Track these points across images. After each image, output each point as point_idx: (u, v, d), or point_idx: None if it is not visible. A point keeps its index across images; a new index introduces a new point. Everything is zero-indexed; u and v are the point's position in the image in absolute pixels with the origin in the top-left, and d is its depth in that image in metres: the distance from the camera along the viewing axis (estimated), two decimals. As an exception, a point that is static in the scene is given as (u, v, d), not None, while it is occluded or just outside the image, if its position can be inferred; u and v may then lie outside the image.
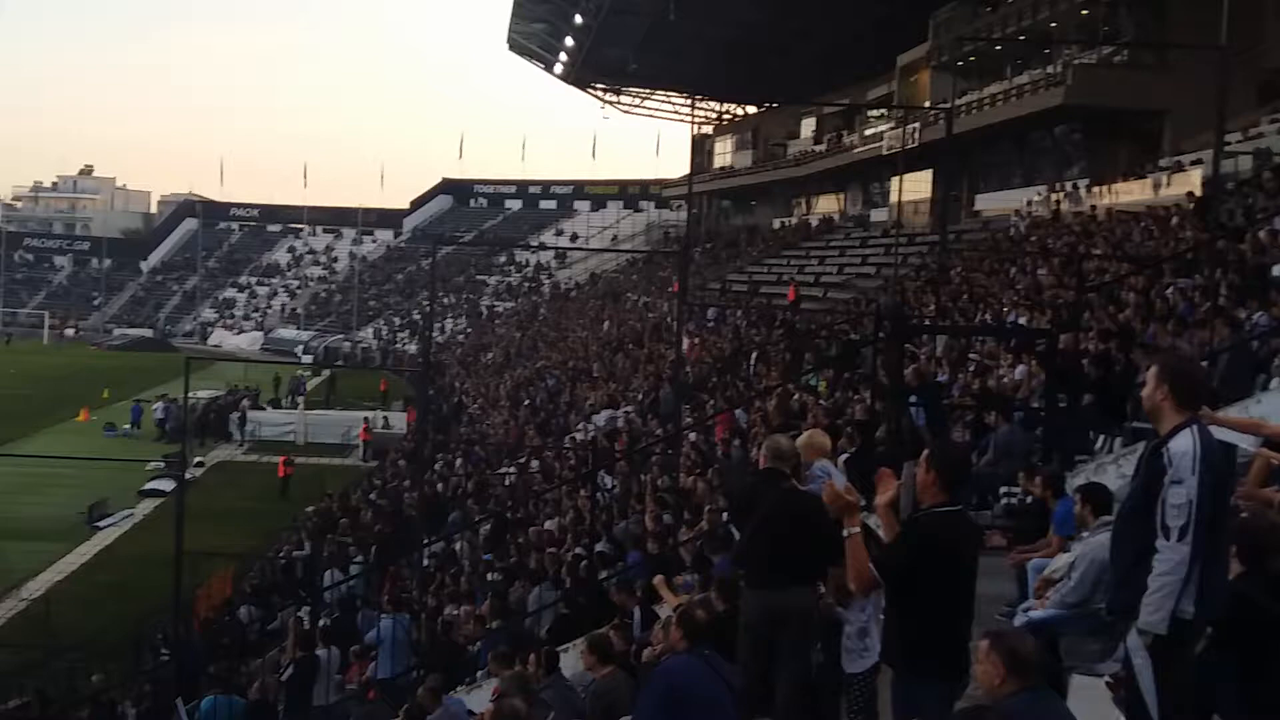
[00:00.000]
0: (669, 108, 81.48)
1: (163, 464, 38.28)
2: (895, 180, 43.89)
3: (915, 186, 47.44)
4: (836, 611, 7.59)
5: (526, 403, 39.24)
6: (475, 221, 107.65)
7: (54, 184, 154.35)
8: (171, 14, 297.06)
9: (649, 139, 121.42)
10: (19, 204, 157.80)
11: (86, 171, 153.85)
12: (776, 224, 66.92)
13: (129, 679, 18.47)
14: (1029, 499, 10.53)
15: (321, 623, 16.98)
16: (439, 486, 28.58)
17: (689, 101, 75.27)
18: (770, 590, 7.23)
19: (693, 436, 20.29)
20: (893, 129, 48.38)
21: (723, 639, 7.44)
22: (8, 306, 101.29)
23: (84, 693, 18.51)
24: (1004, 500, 11.78)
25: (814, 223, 61.19)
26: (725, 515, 12.41)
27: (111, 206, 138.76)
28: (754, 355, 28.67)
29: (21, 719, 17.75)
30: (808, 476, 8.37)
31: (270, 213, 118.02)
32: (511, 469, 28.82)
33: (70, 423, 49.34)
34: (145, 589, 25.22)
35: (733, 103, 78.66)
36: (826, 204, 64.15)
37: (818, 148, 63.61)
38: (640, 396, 30.98)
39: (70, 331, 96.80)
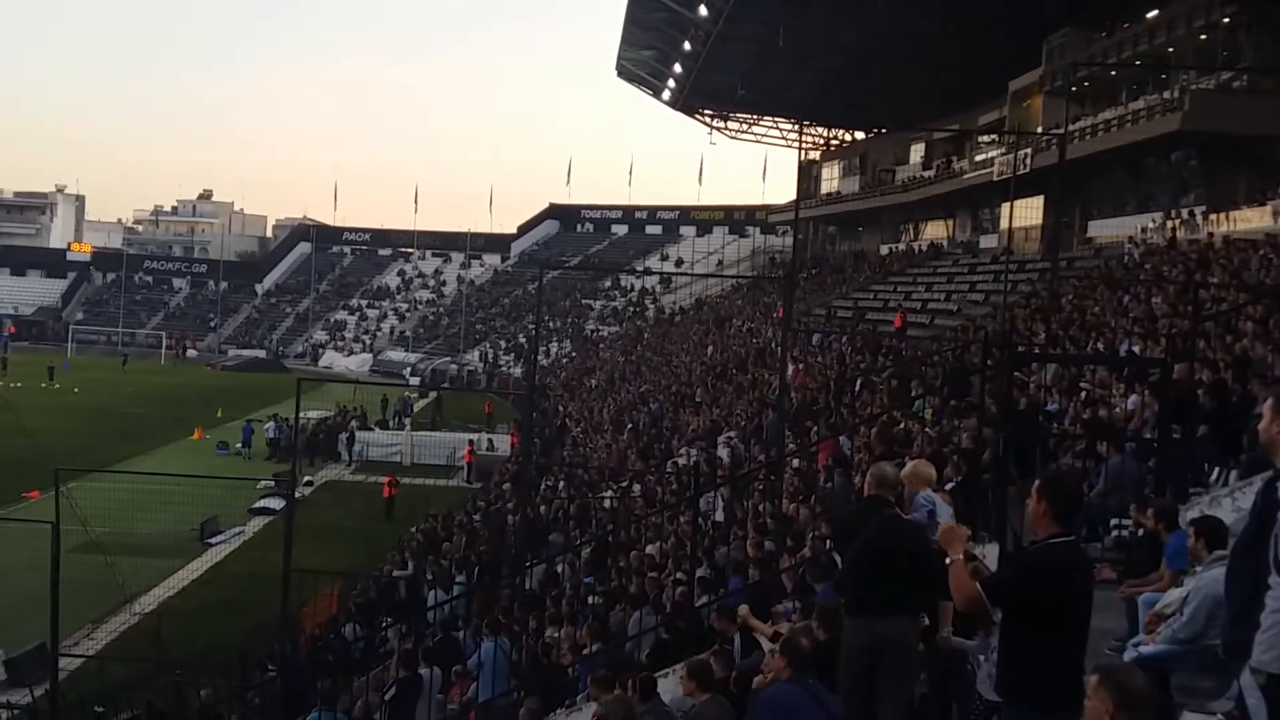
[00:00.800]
0: (776, 133, 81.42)
1: (273, 483, 39.01)
2: (1006, 206, 43.32)
3: (1026, 213, 46.86)
4: (955, 641, 7.47)
5: (629, 427, 39.32)
6: (581, 246, 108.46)
7: (174, 208, 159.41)
8: (288, 45, 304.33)
9: (755, 165, 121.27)
10: (140, 227, 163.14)
11: (205, 196, 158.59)
12: (884, 250, 66.44)
13: (236, 694, 18.74)
14: (1140, 531, 10.26)
15: (424, 643, 17.11)
16: (541, 509, 28.74)
17: (796, 127, 75.13)
18: (871, 619, 7.14)
19: (796, 463, 20.16)
20: (1004, 154, 47.83)
21: (826, 668, 7.37)
22: (127, 327, 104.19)
23: (193, 706, 18.82)
24: (1115, 532, 11.50)
25: (922, 249, 60.68)
26: (828, 542, 12.30)
27: (229, 230, 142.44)
28: (859, 382, 28.42)
29: (132, 731, 18.14)
30: (912, 506, 8.28)
31: (381, 237, 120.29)
32: (613, 493, 28.86)
33: (185, 441, 50.56)
34: (253, 605, 25.70)
35: (840, 128, 78.41)
36: (935, 230, 63.57)
37: (927, 173, 63.01)
38: (743, 422, 30.87)
39: (187, 352, 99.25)
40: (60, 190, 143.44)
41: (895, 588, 7.09)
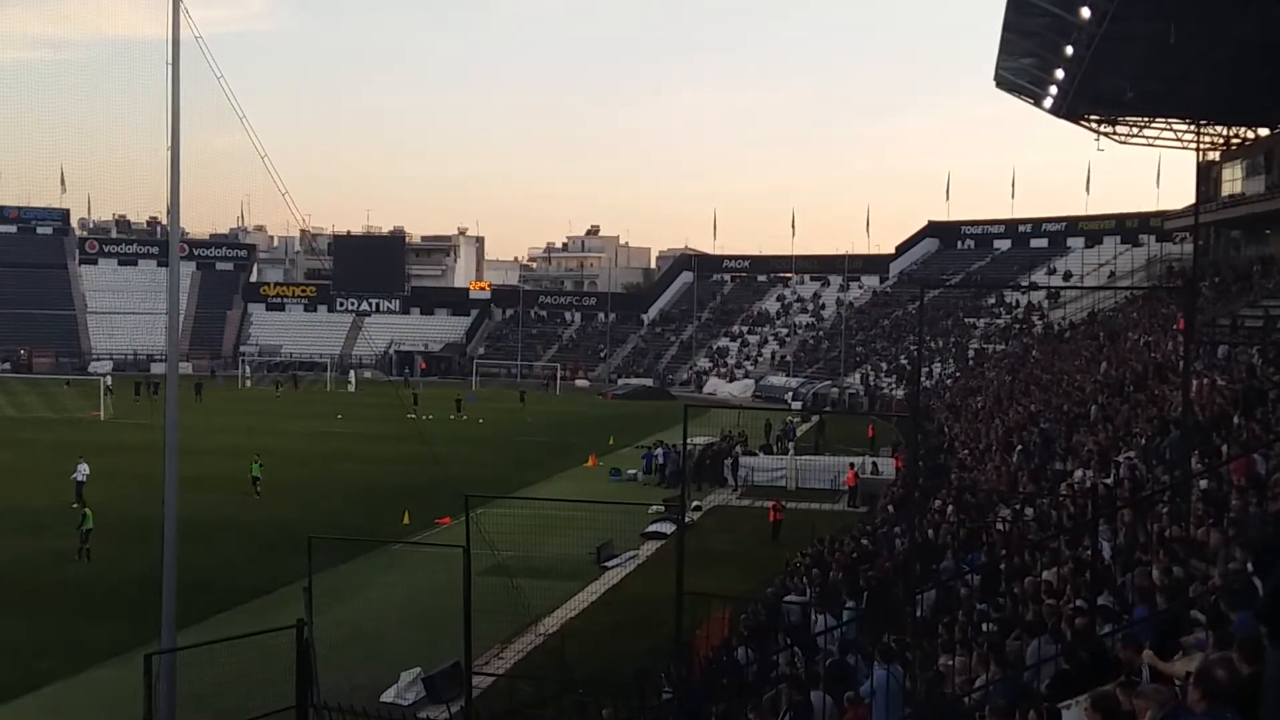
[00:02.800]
0: (1170, 135, 77.10)
1: (663, 507, 40.08)
2: None
3: None
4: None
5: (1019, 448, 38.03)
6: (962, 263, 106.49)
7: (564, 244, 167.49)
8: (662, 79, 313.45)
9: (1147, 169, 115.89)
10: (534, 264, 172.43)
11: (593, 232, 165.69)
12: (1295, 253, 61.69)
13: (636, 714, 19.27)
14: None
15: (815, 668, 17.06)
16: (930, 533, 28.18)
17: (1192, 127, 71.01)
18: (1300, 651, 6.61)
19: (1203, 484, 18.96)
20: None
21: (1246, 702, 6.88)
22: (524, 360, 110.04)
23: (595, 726, 19.48)
24: None
25: (1340, 250, 55.95)
26: (1247, 567, 11.49)
27: (615, 264, 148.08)
28: (1272, 395, 26.49)
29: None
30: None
31: (760, 263, 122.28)
32: (1005, 516, 27.97)
33: (579, 468, 52.93)
34: (648, 626, 26.40)
35: (1242, 125, 73.38)
36: (1354, 229, 58.48)
37: (1343, 168, 58.11)
38: (1143, 441, 29.33)
39: (576, 381, 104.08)
40: (462, 233, 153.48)
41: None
